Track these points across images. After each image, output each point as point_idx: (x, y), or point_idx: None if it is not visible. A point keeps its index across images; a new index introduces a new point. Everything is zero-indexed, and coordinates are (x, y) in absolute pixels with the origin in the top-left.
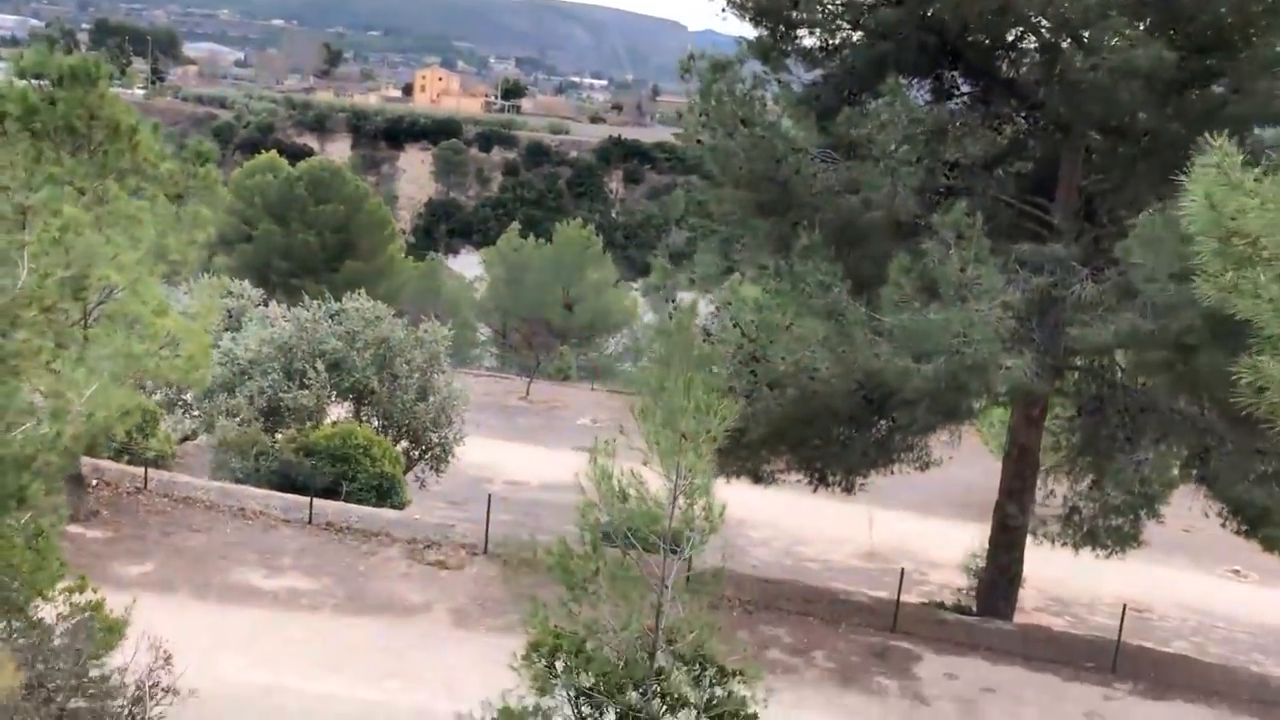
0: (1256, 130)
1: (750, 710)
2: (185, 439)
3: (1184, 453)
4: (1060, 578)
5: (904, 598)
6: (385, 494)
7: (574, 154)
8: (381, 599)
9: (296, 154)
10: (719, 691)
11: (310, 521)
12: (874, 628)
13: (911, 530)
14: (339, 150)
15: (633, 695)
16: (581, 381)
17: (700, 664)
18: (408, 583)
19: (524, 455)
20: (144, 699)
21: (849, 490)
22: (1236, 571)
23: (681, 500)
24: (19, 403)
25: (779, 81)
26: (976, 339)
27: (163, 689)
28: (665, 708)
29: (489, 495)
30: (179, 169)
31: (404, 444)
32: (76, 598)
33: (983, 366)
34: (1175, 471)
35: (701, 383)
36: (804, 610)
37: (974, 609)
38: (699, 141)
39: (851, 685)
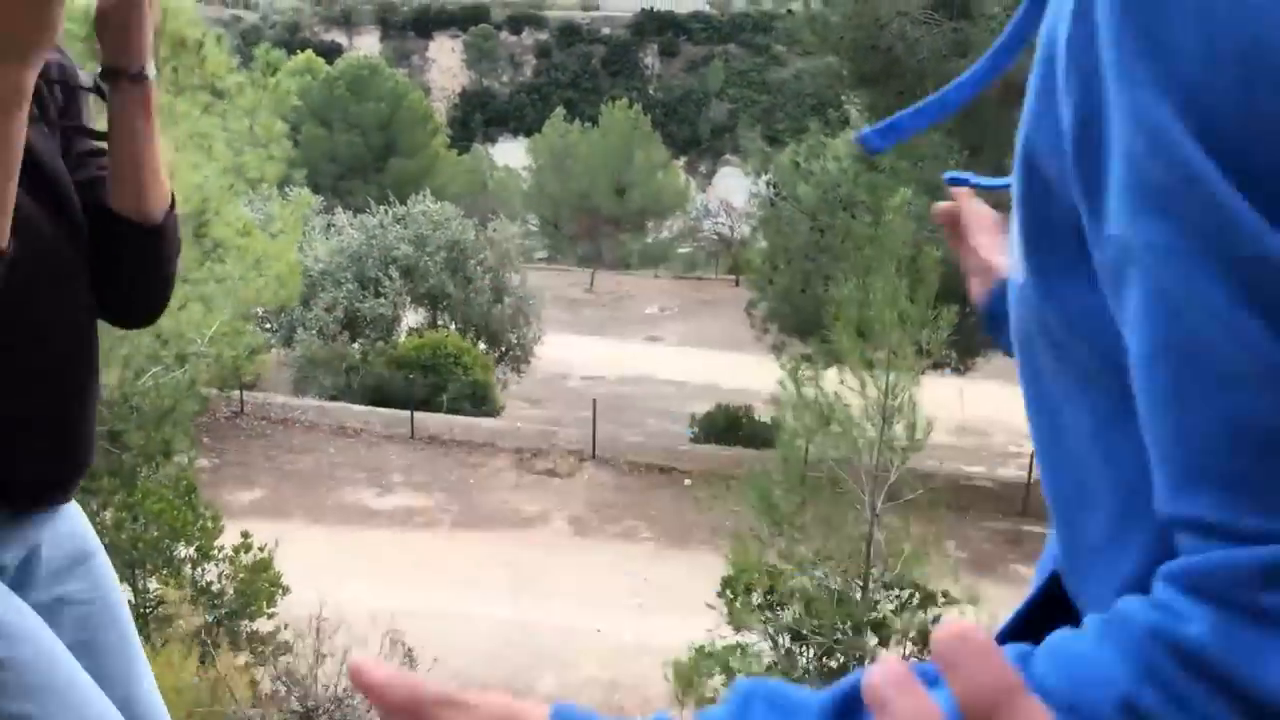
0: None
1: None
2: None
3: None
4: None
5: (1005, 473)
6: (480, 402)
7: (606, 30)
8: (497, 512)
9: (326, 52)
10: (923, 616)
11: (413, 436)
12: (1002, 513)
13: (1000, 396)
14: (368, 44)
15: (843, 629)
16: (644, 269)
17: (909, 591)
18: (520, 494)
19: (596, 348)
20: None
21: (961, 372)
22: None
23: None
24: (144, 348)
25: None
26: None
27: None
28: (877, 640)
29: (594, 400)
30: (248, 81)
31: (481, 347)
32: (242, 557)
33: None
34: None
35: (909, 292)
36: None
37: None
38: (789, 11)
39: (988, 574)
